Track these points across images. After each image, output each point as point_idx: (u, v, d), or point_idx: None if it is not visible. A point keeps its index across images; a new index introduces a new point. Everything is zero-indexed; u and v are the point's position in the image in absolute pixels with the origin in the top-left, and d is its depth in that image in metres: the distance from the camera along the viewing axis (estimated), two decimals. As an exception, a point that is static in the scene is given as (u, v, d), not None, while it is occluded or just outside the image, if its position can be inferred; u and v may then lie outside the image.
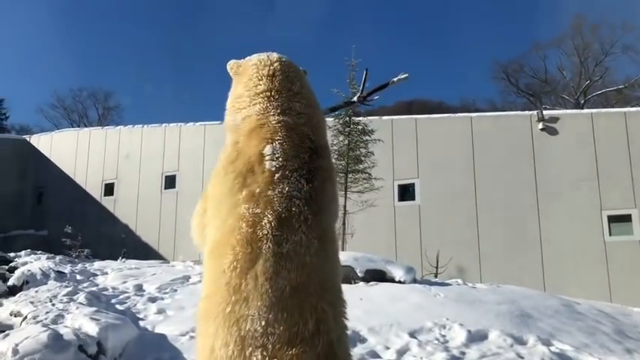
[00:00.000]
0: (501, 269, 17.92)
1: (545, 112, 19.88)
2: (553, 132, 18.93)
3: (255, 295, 1.91)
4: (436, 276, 16.38)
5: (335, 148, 17.62)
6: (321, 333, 2.00)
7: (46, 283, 11.72)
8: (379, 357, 7.59)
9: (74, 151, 28.99)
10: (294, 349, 1.88)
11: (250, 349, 1.87)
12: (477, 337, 8.16)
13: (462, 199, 19.53)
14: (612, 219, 17.51)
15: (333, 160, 13.16)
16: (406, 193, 20.90)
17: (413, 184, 20.73)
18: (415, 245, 19.50)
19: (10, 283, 11.81)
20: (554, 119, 19.16)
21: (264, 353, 1.85)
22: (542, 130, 18.98)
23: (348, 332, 7.16)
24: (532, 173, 18.78)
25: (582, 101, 43.06)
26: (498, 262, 18.41)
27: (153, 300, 11.00)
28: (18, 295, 11.01)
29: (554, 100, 46.20)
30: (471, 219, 19.33)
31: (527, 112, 20.94)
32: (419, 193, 20.55)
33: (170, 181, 26.05)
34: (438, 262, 17.41)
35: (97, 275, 13.30)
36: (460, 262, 18.49)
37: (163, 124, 27.15)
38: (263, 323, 1.89)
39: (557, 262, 17.76)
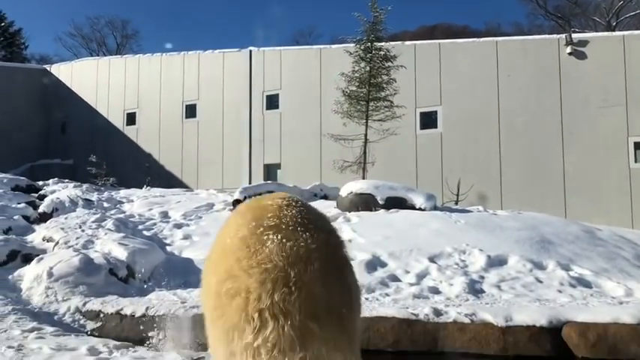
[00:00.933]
0: (523, 197, 17.90)
1: (574, 35, 19.17)
2: (581, 56, 18.32)
3: None
4: (457, 203, 16.44)
5: (356, 75, 17.33)
6: None
7: (74, 211, 12.07)
8: (399, 280, 7.78)
9: (94, 80, 29.01)
10: None
11: None
12: (496, 262, 8.28)
13: (485, 127, 19.28)
14: (639, 145, 17.20)
15: (354, 88, 12.83)
16: (428, 120, 20.67)
17: (435, 112, 20.46)
18: (436, 173, 19.49)
19: (40, 210, 12.19)
20: (584, 42, 18.49)
21: None
22: (570, 54, 18.38)
23: (369, 257, 7.35)
24: (557, 99, 18.36)
25: (614, 23, 41.31)
26: (520, 190, 18.36)
27: (178, 226, 11.29)
28: (49, 221, 11.38)
29: (584, 22, 44.39)
30: (494, 146, 19.15)
31: (555, 35, 20.23)
32: (441, 121, 20.31)
33: (191, 110, 26.08)
34: (458, 189, 17.43)
35: (123, 203, 13.63)
36: (481, 189, 18.49)
37: (182, 52, 26.88)
38: None
39: (580, 190, 17.66)
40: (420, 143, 20.44)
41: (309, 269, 2.19)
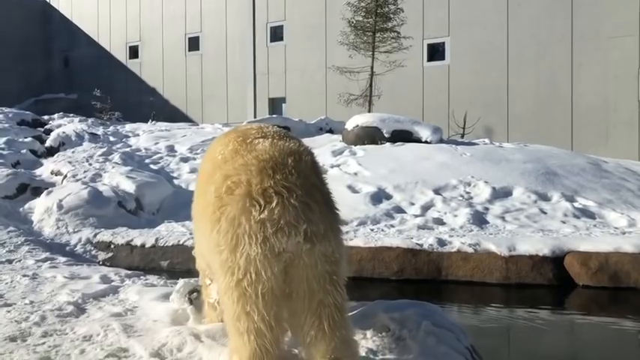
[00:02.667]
0: (530, 130, 17.78)
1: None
2: (595, -16, 17.71)
3: None
4: (463, 136, 16.38)
5: (362, 4, 16.89)
6: None
7: (81, 145, 12.11)
8: (404, 212, 7.87)
9: (95, 12, 28.39)
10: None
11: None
12: (501, 193, 8.33)
13: (494, 59, 18.91)
14: (649, 77, 16.91)
15: (361, 18, 12.62)
16: (435, 53, 20.27)
17: (443, 44, 20.04)
18: (443, 106, 19.30)
19: (47, 144, 12.22)
20: (598, -30, 17.82)
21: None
22: (583, -18, 17.76)
23: (375, 190, 7.44)
24: (568, 29, 17.89)
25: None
26: (527, 123, 18.22)
27: (185, 160, 11.34)
28: (56, 155, 11.44)
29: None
30: (502, 79, 18.85)
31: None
32: (449, 53, 19.91)
33: (194, 43, 25.64)
34: (465, 122, 17.31)
35: (129, 137, 13.64)
36: (488, 122, 18.36)
37: (184, -18, 26.15)
38: None
39: (587, 123, 17.51)
40: (427, 76, 20.14)
41: (304, 159, 2.44)
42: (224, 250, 2.16)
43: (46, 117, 16.25)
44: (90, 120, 15.60)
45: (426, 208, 7.98)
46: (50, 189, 8.73)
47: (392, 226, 7.31)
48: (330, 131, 14.45)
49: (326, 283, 2.26)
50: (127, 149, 12.01)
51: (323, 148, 11.19)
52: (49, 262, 5.65)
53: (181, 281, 3.49)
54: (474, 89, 19.05)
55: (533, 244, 6.02)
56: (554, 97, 18.02)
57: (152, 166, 10.95)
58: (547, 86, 18.16)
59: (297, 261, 2.18)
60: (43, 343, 2.90)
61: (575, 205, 7.96)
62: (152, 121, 17.53)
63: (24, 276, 4.70)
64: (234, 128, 2.65)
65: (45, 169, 10.46)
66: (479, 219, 7.49)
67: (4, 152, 11.07)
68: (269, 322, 2.19)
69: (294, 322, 2.29)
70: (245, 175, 2.18)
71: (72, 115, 17.11)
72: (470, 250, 6.02)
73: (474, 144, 11.42)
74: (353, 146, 10.98)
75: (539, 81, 18.30)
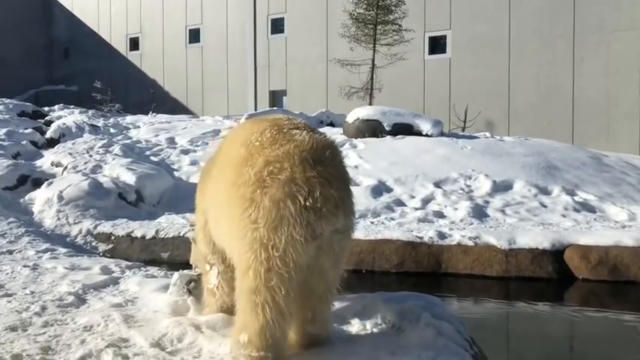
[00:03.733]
0: (531, 123, 17.76)
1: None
2: (598, -23, 17.63)
3: None
4: (464, 130, 16.36)
5: (364, -4, 16.84)
6: None
7: (81, 136, 12.10)
8: (404, 205, 7.87)
9: (96, 3, 28.27)
10: None
11: None
12: (501, 187, 8.33)
13: (495, 52, 18.85)
14: (651, 72, 16.87)
15: (362, 11, 12.71)
16: (437, 45, 20.21)
17: (444, 36, 19.97)
18: (444, 100, 19.26)
19: (47, 135, 12.22)
20: (601, -37, 17.74)
21: None
22: (586, -25, 17.68)
23: (375, 183, 7.47)
24: (570, 22, 17.83)
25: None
26: (528, 117, 18.20)
27: (185, 152, 11.33)
28: (56, 146, 11.44)
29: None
30: (503, 72, 18.81)
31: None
32: (450, 46, 19.85)
33: (194, 35, 25.57)
34: (466, 116, 17.29)
35: (129, 129, 13.63)
36: (489, 116, 18.33)
37: (184, -26, 26.04)
38: None
39: (588, 117, 17.48)
40: (428, 69, 20.09)
41: (336, 153, 2.60)
42: (261, 228, 2.28)
43: (46, 108, 16.24)
44: (90, 112, 15.59)
45: (426, 201, 7.99)
46: (51, 180, 8.73)
47: (392, 218, 7.31)
48: (331, 124, 14.43)
49: (336, 270, 2.50)
50: (128, 141, 12.00)
51: (323, 141, 11.18)
52: (49, 253, 5.65)
53: (176, 274, 3.48)
54: (475, 83, 19.00)
55: (533, 238, 6.03)
56: (556, 91, 17.98)
57: (152, 158, 10.94)
58: (548, 80, 18.11)
59: (326, 247, 2.37)
60: (44, 333, 2.91)
61: (576, 198, 7.97)
62: (152, 113, 17.51)
63: (24, 266, 4.71)
64: (260, 117, 2.77)
65: (45, 161, 10.46)
66: (479, 212, 7.49)
67: (5, 143, 11.06)
68: (289, 298, 2.32)
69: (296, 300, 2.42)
70: (288, 163, 2.31)
71: (72, 106, 17.10)
72: (470, 243, 6.03)
73: (475, 137, 11.41)
74: (354, 139, 10.97)
75: (541, 75, 18.25)
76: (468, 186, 8.43)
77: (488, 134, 12.73)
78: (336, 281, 2.54)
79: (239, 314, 2.42)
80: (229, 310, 2.81)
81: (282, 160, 2.32)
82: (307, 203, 2.25)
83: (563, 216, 7.35)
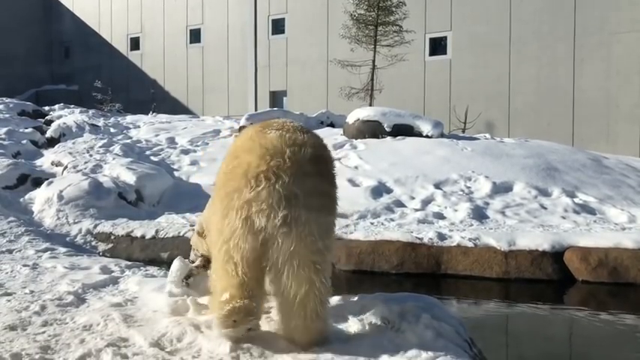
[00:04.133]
0: (531, 125, 17.76)
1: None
2: (599, -21, 17.63)
3: None
4: (464, 131, 16.36)
5: (365, -2, 16.85)
6: None
7: (81, 136, 12.11)
8: (404, 206, 7.87)
9: (97, 3, 28.28)
10: None
11: None
12: (501, 188, 8.33)
13: (495, 54, 18.85)
14: (652, 73, 16.86)
15: (363, 12, 12.75)
16: (437, 47, 20.21)
17: (445, 38, 19.97)
18: (444, 101, 19.27)
19: (47, 135, 12.22)
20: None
21: None
22: (587, -23, 17.68)
23: (375, 183, 7.52)
24: (571, 24, 17.83)
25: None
26: (528, 118, 18.20)
27: (185, 152, 11.34)
28: (56, 146, 11.44)
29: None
30: (503, 74, 18.81)
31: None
32: (451, 47, 19.85)
33: (195, 35, 25.57)
34: (466, 117, 17.29)
35: (129, 128, 13.64)
36: (489, 117, 18.33)
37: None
38: None
39: (589, 118, 17.48)
40: (429, 70, 20.09)
41: (303, 151, 2.68)
42: (218, 215, 2.53)
43: (46, 108, 16.25)
44: (91, 111, 15.60)
45: (426, 202, 7.99)
46: (51, 180, 8.74)
47: (392, 219, 7.31)
48: (331, 125, 14.44)
49: (311, 272, 2.46)
50: (128, 141, 12.01)
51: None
52: (49, 252, 5.66)
53: (177, 262, 3.37)
54: (475, 84, 19.01)
55: (533, 239, 6.02)
56: (556, 93, 17.98)
57: (152, 157, 10.95)
58: (549, 81, 18.11)
59: (272, 241, 2.42)
60: (43, 332, 2.90)
61: (576, 200, 7.97)
62: (153, 112, 17.52)
63: (24, 266, 4.71)
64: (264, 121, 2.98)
65: (45, 160, 10.47)
66: (479, 213, 7.50)
67: (5, 142, 11.07)
68: (250, 274, 2.49)
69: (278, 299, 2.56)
70: (247, 159, 2.46)
71: (73, 106, 17.12)
72: (470, 244, 6.03)
73: (475, 139, 11.42)
74: (354, 140, 10.98)
75: (541, 76, 18.25)
76: (468, 187, 8.43)
77: (488, 135, 12.74)
78: (321, 286, 2.48)
79: (218, 283, 2.62)
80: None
81: (245, 156, 2.48)
82: (249, 196, 2.37)
83: (563, 218, 7.35)
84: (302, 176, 2.40)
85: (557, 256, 5.83)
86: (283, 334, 2.61)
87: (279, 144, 2.45)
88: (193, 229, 3.51)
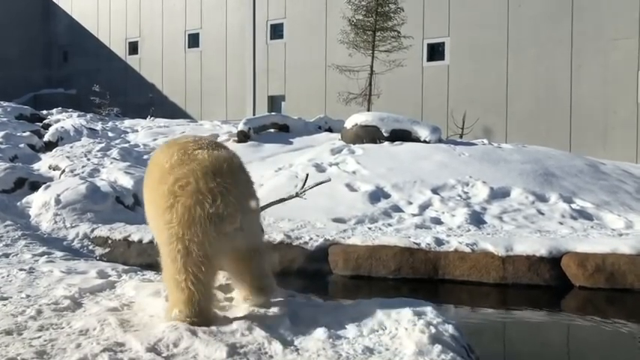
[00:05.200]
0: (528, 131, 17.79)
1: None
2: (596, -14, 17.71)
3: None
4: (461, 137, 16.39)
5: (363, 3, 16.90)
6: None
7: (79, 140, 12.10)
8: (402, 211, 7.87)
9: (95, 7, 28.33)
10: None
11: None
12: (499, 194, 8.34)
13: (493, 59, 18.91)
14: (648, 80, 16.92)
15: (361, 17, 12.79)
16: (435, 52, 20.27)
17: (443, 43, 20.03)
18: (442, 106, 19.30)
19: (45, 139, 12.21)
20: (599, -28, 17.82)
21: None
22: (584, -17, 17.75)
23: (373, 188, 7.62)
24: (568, 30, 17.90)
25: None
26: (526, 124, 18.23)
27: (183, 156, 11.33)
28: (54, 150, 11.43)
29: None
30: (501, 80, 18.87)
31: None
32: (448, 53, 19.91)
33: (193, 40, 25.60)
34: (464, 123, 17.32)
35: (127, 133, 13.63)
36: (487, 123, 18.37)
37: (184, -21, 26.10)
38: None
39: (586, 124, 17.52)
40: (427, 75, 20.14)
41: (235, 162, 3.12)
42: (176, 226, 2.91)
43: (44, 112, 16.24)
44: (89, 115, 15.60)
45: (423, 207, 7.99)
46: (48, 183, 8.72)
47: (390, 224, 7.31)
48: (329, 130, 14.45)
49: (256, 252, 3.31)
50: (126, 145, 12.00)
51: (322, 147, 11.20)
52: (46, 256, 5.64)
53: None
54: (473, 90, 19.06)
55: (530, 245, 6.03)
56: (554, 99, 18.03)
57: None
58: (546, 87, 18.17)
59: (234, 239, 3.04)
60: (39, 337, 2.89)
61: (573, 206, 7.98)
62: (151, 117, 17.52)
63: (21, 270, 4.69)
64: (172, 141, 3.49)
65: (43, 164, 10.45)
66: (476, 219, 7.50)
67: (2, 146, 11.05)
68: (204, 273, 2.93)
69: (239, 276, 3.34)
70: (193, 177, 2.95)
71: (70, 110, 17.11)
72: (467, 249, 6.03)
73: (473, 144, 11.43)
74: (352, 145, 10.98)
75: (539, 82, 18.31)
76: (466, 192, 8.43)
77: (485, 141, 12.75)
78: (261, 256, 3.37)
79: (169, 296, 3.09)
80: None
81: (187, 176, 2.96)
82: (211, 210, 2.88)
83: (561, 223, 7.35)
84: (240, 184, 3.11)
85: (554, 261, 5.83)
86: (240, 288, 3.39)
87: (214, 161, 3.04)
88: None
